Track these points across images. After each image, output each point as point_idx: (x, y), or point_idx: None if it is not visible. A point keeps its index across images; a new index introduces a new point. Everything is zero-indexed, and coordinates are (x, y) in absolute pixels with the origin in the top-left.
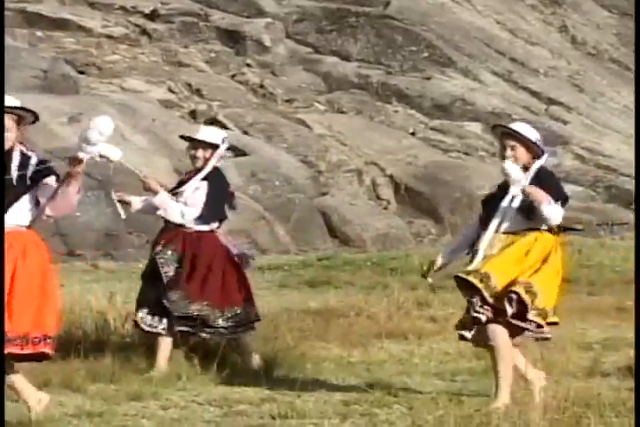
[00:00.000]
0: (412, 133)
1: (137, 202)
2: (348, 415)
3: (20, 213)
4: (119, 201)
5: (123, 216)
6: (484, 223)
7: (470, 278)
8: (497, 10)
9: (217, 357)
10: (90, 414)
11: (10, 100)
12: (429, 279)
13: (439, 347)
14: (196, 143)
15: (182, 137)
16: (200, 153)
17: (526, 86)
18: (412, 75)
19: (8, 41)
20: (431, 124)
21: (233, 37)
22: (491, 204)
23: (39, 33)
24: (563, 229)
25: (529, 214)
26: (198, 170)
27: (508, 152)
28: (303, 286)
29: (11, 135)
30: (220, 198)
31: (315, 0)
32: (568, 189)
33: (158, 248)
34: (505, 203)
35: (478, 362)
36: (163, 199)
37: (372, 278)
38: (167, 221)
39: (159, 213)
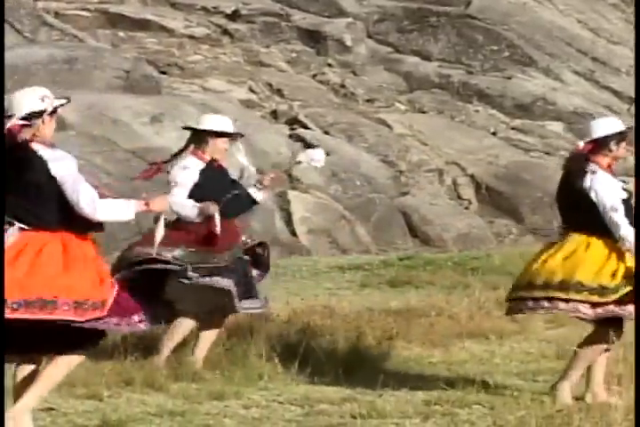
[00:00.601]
0: (494, 133)
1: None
2: (430, 415)
3: None
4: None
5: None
6: None
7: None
8: (578, 9)
9: (298, 356)
10: (172, 413)
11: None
12: None
13: (520, 347)
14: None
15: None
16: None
17: (608, 85)
18: (493, 74)
19: (91, 42)
20: (512, 123)
21: (314, 37)
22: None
23: (121, 34)
24: None
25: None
26: None
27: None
28: (384, 285)
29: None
30: None
31: (396, 0)
32: None
33: None
34: None
35: (559, 362)
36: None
37: (453, 278)
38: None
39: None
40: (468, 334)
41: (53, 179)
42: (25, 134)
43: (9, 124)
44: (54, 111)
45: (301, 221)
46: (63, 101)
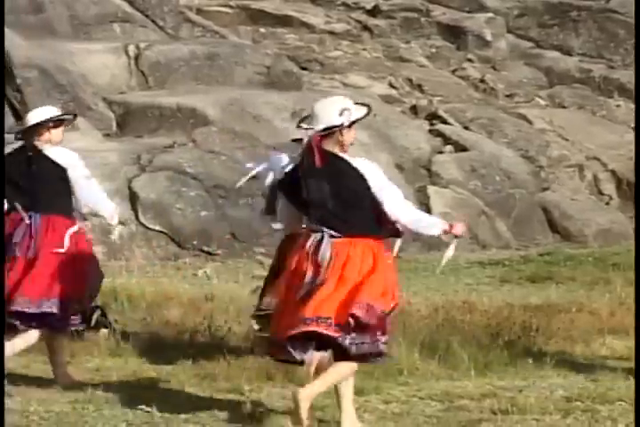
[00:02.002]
0: (635, 128)
1: None
2: (570, 411)
3: None
4: None
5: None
6: None
7: None
8: None
9: (438, 351)
10: (314, 408)
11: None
12: None
13: None
14: None
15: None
16: None
17: None
18: (635, 69)
19: (233, 38)
20: None
21: (454, 33)
22: None
23: (263, 30)
24: None
25: None
26: None
27: None
28: (524, 281)
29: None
30: None
31: None
32: None
33: None
34: None
35: None
36: None
37: (594, 274)
38: None
39: None
40: (609, 330)
41: (370, 189)
42: (327, 145)
43: (309, 133)
44: (355, 122)
45: (441, 216)
46: (361, 114)
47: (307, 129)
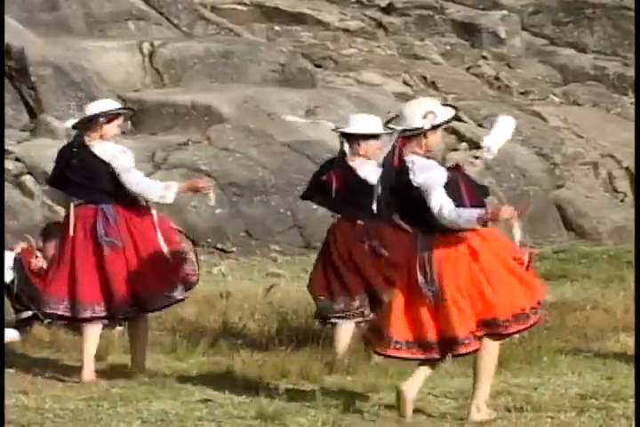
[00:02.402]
0: None
1: None
2: (585, 409)
3: None
4: None
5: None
6: None
7: None
8: None
9: None
10: (326, 405)
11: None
12: None
13: None
14: None
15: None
16: None
17: None
18: None
19: (247, 36)
20: None
21: (468, 30)
22: None
23: (277, 27)
24: None
25: None
26: None
27: None
28: (539, 278)
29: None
30: None
31: None
32: None
33: None
34: None
35: None
36: None
37: (609, 272)
38: None
39: None
40: (623, 328)
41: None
42: (407, 149)
43: (397, 137)
44: (440, 125)
45: None
46: (446, 118)
47: (391, 129)
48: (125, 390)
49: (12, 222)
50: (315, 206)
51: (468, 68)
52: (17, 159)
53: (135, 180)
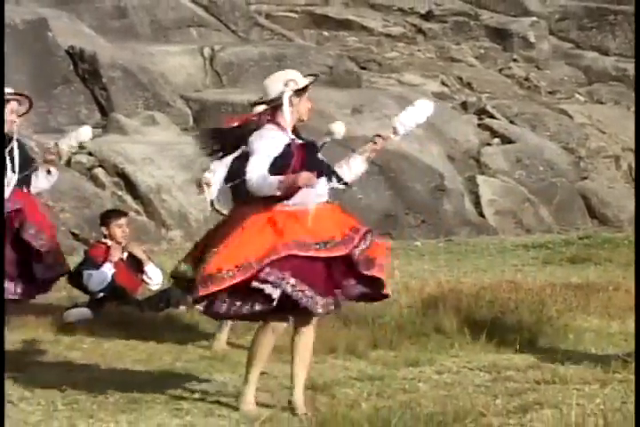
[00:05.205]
0: None
1: None
2: (607, 382)
3: None
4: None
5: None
6: None
7: None
8: None
9: (486, 327)
10: (371, 378)
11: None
12: None
13: None
14: None
15: None
16: None
17: None
18: None
19: (298, 41)
20: None
21: (501, 35)
22: None
23: (326, 33)
24: None
25: None
26: None
27: None
28: (565, 262)
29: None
30: None
31: (577, 0)
32: None
33: None
34: None
35: None
36: None
37: (629, 256)
38: None
39: None
40: None
41: None
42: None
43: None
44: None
45: (489, 203)
46: (309, 81)
47: (260, 103)
48: (188, 364)
49: (86, 211)
50: (360, 196)
51: (500, 70)
52: (90, 154)
53: None
